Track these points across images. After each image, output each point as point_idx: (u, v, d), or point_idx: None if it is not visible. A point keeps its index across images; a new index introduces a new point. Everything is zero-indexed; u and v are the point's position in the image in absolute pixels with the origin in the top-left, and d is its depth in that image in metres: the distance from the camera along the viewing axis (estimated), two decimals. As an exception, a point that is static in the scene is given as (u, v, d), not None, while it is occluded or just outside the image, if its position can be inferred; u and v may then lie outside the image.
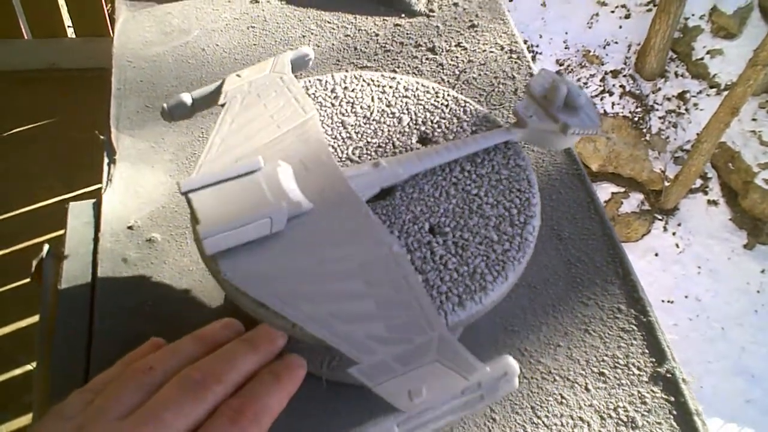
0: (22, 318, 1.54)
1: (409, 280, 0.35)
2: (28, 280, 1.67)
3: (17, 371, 1.49)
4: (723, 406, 3.59)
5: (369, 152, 0.45)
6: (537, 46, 4.88)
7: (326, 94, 0.49)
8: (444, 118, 0.47)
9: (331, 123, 0.47)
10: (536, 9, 4.94)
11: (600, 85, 4.74)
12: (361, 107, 0.48)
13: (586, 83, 4.68)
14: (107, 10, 1.95)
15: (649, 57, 4.69)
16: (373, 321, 0.34)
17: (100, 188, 0.57)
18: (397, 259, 0.36)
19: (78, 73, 2.03)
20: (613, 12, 4.95)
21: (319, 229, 0.38)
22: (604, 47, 4.86)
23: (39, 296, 0.55)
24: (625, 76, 4.77)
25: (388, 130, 0.46)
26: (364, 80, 0.50)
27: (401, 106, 0.48)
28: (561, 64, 4.81)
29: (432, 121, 0.47)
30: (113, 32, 0.71)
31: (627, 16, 4.94)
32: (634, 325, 0.50)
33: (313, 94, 0.49)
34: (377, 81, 0.50)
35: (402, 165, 0.42)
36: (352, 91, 0.49)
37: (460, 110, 0.48)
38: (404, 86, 0.49)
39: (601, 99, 4.64)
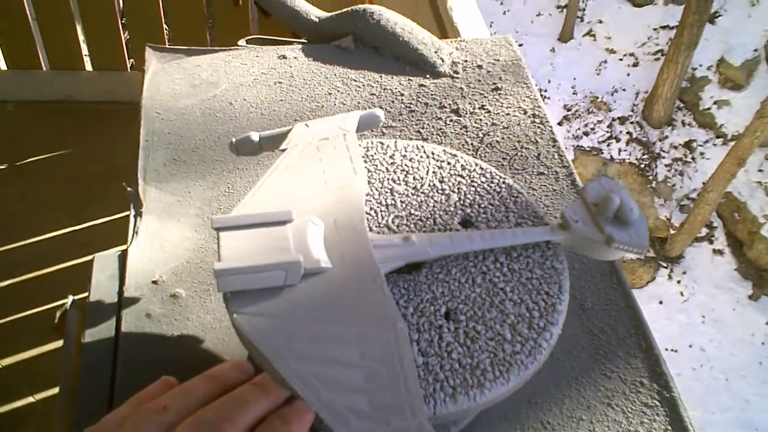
0: (23, 350, 1.54)
1: (403, 360, 0.35)
2: (29, 312, 1.66)
3: (18, 403, 1.48)
4: (726, 460, 3.55)
5: (408, 224, 0.45)
6: (545, 90, 4.94)
7: (384, 158, 0.49)
8: (492, 205, 0.46)
9: (381, 187, 0.47)
10: (545, 54, 5.01)
11: (607, 131, 4.77)
12: (414, 178, 0.48)
13: (593, 129, 4.72)
14: (125, 44, 1.98)
15: (656, 105, 4.73)
16: (357, 393, 0.34)
17: (108, 221, 0.58)
18: (397, 337, 0.36)
19: (93, 105, 2.05)
20: (621, 60, 5.02)
21: (331, 291, 0.38)
22: (612, 94, 4.92)
23: (62, 349, 0.55)
24: (632, 123, 4.81)
25: (434, 206, 0.46)
26: (425, 152, 0.50)
27: (453, 183, 0.48)
28: (569, 110, 4.86)
29: (479, 205, 0.46)
30: (132, 63, 0.73)
31: (635, 65, 5.00)
32: (657, 401, 0.49)
33: (372, 156, 0.50)
34: (438, 155, 0.50)
35: (433, 245, 0.42)
36: (410, 160, 0.49)
37: (510, 200, 0.47)
38: (462, 165, 0.49)
39: (608, 145, 4.68)
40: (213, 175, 0.63)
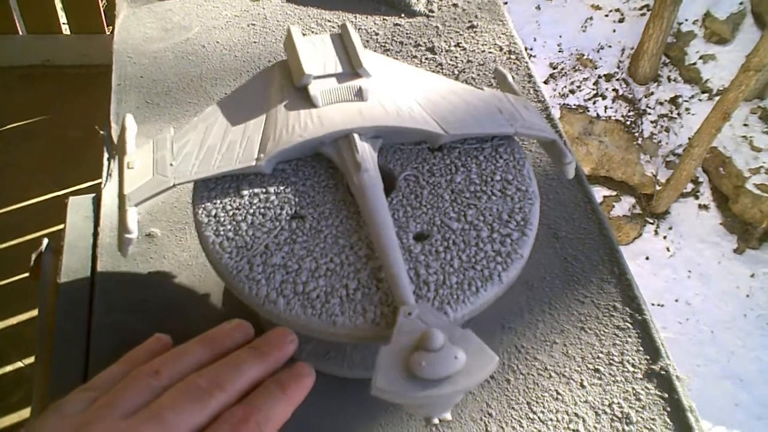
0: (12, 315, 1.54)
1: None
2: (17, 277, 1.65)
3: (8, 368, 1.48)
4: (711, 410, 3.61)
5: (394, 162, 0.45)
6: (531, 49, 4.90)
7: (478, 155, 0.46)
8: (465, 243, 0.41)
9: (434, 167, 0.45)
10: (530, 12, 4.96)
11: (593, 89, 4.75)
12: (466, 182, 0.44)
13: (579, 87, 4.70)
14: (102, 7, 1.95)
15: (642, 61, 4.71)
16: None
17: (91, 186, 0.58)
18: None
19: (71, 69, 2.02)
20: (607, 16, 4.98)
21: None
22: (598, 51, 4.88)
23: (38, 290, 0.55)
24: (618, 80, 4.79)
25: (437, 206, 0.43)
26: (513, 165, 0.45)
27: (479, 204, 0.43)
28: (554, 68, 4.83)
29: (455, 234, 0.41)
30: (111, 28, 0.72)
31: (621, 21, 4.96)
32: (629, 323, 0.50)
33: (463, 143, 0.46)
34: (516, 180, 0.44)
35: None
36: (485, 157, 0.46)
37: (483, 251, 0.40)
38: (515, 192, 0.44)
39: (594, 103, 4.66)
40: (186, 117, 0.62)
